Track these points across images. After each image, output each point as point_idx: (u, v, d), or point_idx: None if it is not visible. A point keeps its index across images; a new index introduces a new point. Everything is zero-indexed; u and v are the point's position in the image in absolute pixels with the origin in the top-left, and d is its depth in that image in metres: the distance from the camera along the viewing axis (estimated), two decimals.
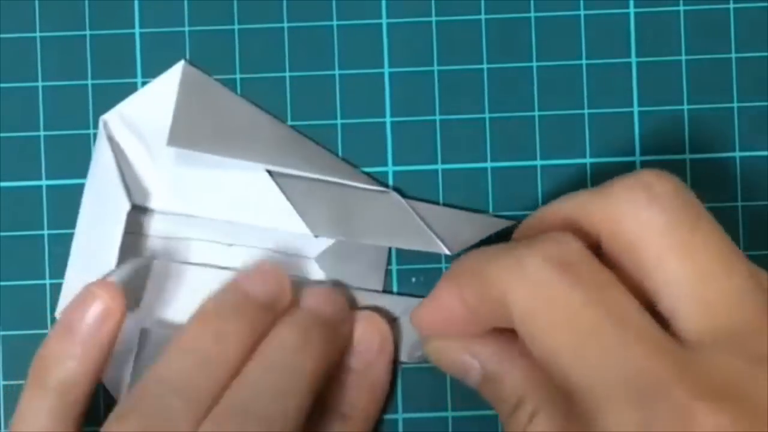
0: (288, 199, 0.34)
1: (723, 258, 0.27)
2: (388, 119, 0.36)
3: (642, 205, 0.28)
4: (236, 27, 0.36)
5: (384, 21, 0.36)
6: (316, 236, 0.34)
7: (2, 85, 0.35)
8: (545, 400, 0.29)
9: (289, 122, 0.36)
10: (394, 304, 0.35)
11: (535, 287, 0.27)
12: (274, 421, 0.30)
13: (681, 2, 0.36)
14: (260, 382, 0.31)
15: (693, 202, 0.28)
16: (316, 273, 0.35)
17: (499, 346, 0.31)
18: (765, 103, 0.35)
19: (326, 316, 0.33)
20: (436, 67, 0.36)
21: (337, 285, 0.35)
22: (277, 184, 0.34)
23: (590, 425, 0.26)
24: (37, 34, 0.35)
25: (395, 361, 0.35)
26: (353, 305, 0.35)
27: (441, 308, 0.30)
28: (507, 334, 0.30)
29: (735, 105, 0.35)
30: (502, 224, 0.35)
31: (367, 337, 0.34)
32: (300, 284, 0.35)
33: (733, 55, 0.35)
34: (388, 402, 0.35)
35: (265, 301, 0.33)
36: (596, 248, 0.29)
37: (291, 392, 0.31)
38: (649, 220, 0.28)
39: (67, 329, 0.32)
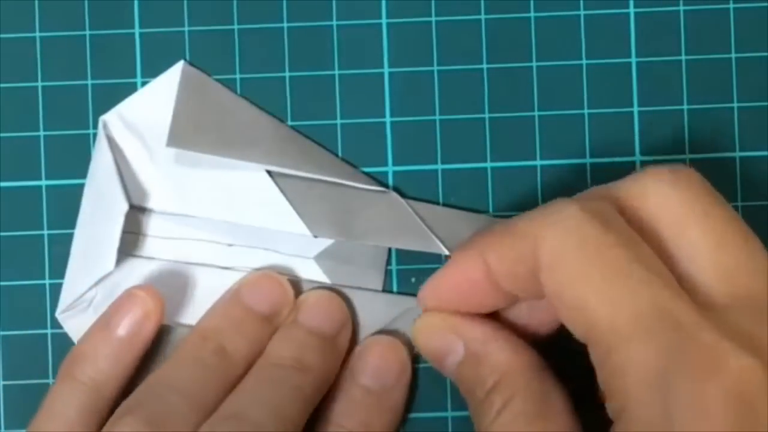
0: (287, 199, 0.34)
1: (740, 229, 0.28)
2: (388, 119, 0.36)
3: (666, 182, 0.29)
4: (236, 27, 0.36)
5: (384, 21, 0.36)
6: (315, 236, 0.34)
7: (2, 85, 0.35)
8: (523, 388, 0.30)
9: (289, 122, 0.36)
10: (393, 304, 0.35)
11: (568, 230, 0.28)
12: (266, 428, 0.31)
13: (681, 2, 0.36)
14: (256, 393, 0.32)
15: (713, 189, 0.29)
16: (316, 273, 0.35)
17: (485, 328, 0.31)
18: (765, 103, 0.35)
19: (322, 331, 0.34)
20: (436, 67, 0.36)
21: (335, 290, 0.35)
22: (277, 184, 0.34)
23: (605, 364, 0.27)
24: (37, 34, 0.36)
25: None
26: (351, 308, 0.35)
27: (458, 275, 0.31)
28: (492, 320, 0.31)
29: (735, 105, 0.35)
30: None
31: (387, 362, 0.34)
32: (299, 285, 0.35)
33: (733, 55, 0.35)
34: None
35: (267, 314, 0.34)
36: None
37: (286, 404, 0.32)
38: (672, 194, 0.29)
39: (105, 328, 0.33)
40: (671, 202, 0.29)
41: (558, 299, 0.28)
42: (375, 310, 0.35)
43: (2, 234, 0.35)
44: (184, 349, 0.33)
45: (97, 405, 0.32)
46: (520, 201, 0.35)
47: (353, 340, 0.35)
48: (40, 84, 0.35)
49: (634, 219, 0.29)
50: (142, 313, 0.33)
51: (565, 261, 0.28)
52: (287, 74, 0.36)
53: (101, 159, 0.35)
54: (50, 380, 0.35)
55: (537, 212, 0.29)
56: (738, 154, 0.35)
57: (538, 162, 0.35)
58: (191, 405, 0.31)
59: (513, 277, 0.29)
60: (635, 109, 0.35)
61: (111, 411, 0.32)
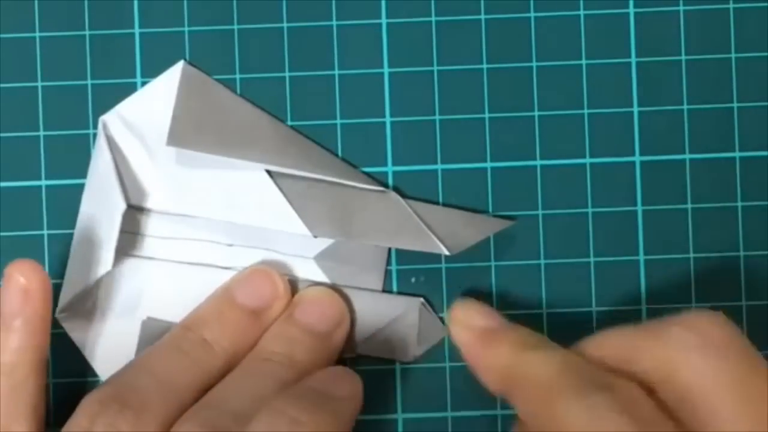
0: (287, 199, 0.34)
1: None
2: (387, 119, 0.36)
3: (697, 353, 0.27)
4: (236, 27, 0.36)
5: (384, 21, 0.36)
6: (315, 236, 0.34)
7: (2, 85, 0.35)
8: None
9: (289, 122, 0.36)
10: (393, 304, 0.35)
11: None
12: (245, 417, 0.30)
13: (681, 2, 0.36)
14: (239, 385, 0.32)
15: (748, 348, 0.28)
16: (316, 273, 0.35)
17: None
18: (765, 103, 0.35)
19: (317, 328, 0.34)
20: (436, 67, 0.36)
21: (335, 287, 0.35)
22: (277, 184, 0.34)
23: None
24: (37, 34, 0.36)
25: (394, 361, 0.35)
26: (351, 308, 0.35)
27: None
28: None
29: (735, 105, 0.35)
30: (502, 224, 0.35)
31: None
32: (298, 284, 0.35)
33: (733, 55, 0.35)
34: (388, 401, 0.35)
35: (254, 308, 0.34)
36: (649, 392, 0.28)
37: (269, 397, 0.31)
38: (704, 368, 0.27)
39: None
40: (703, 377, 0.27)
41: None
42: (375, 310, 0.35)
43: (2, 234, 0.35)
44: (165, 338, 0.33)
45: (15, 391, 0.31)
46: (520, 201, 0.35)
47: (352, 340, 0.35)
48: (40, 84, 0.35)
49: (663, 393, 0.28)
50: (17, 291, 0.31)
51: None
52: (287, 74, 0.36)
53: (101, 159, 0.35)
54: (51, 380, 0.35)
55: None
56: (738, 154, 0.35)
57: (538, 162, 0.35)
58: (160, 387, 0.31)
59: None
60: (635, 109, 0.35)
61: (40, 396, 0.32)
